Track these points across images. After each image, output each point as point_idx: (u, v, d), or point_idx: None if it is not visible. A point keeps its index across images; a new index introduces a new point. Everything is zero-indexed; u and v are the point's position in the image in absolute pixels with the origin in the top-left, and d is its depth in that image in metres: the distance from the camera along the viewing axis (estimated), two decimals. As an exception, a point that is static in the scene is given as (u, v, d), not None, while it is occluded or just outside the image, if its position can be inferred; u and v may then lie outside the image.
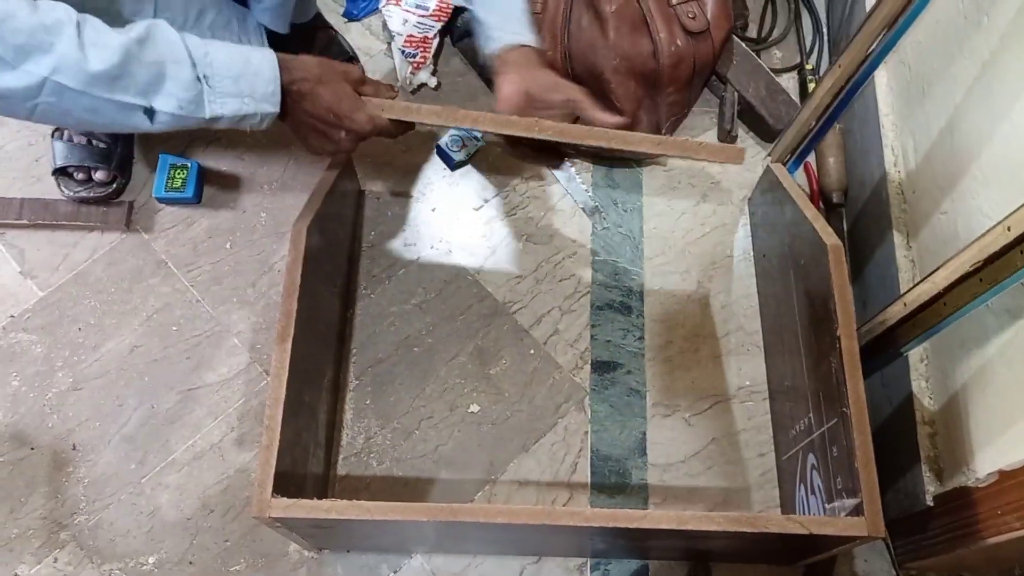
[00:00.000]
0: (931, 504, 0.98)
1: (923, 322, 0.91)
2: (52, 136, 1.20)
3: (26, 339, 1.16)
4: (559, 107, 0.99)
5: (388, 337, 1.19)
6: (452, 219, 1.27)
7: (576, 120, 1.02)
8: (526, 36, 1.01)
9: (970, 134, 0.99)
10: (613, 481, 1.12)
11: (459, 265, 1.24)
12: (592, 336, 1.21)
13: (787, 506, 1.09)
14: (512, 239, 1.26)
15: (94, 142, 1.19)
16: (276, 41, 1.27)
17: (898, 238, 1.12)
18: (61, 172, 1.20)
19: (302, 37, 1.26)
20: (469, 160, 1.30)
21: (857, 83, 1.05)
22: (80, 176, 1.20)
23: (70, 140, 1.19)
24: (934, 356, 1.04)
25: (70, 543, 1.06)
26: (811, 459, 0.99)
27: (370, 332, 1.19)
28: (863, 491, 0.83)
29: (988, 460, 0.91)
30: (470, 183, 1.30)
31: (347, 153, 0.95)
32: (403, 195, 1.28)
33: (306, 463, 0.98)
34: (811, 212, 1.02)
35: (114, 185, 1.22)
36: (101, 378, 1.15)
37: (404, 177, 1.29)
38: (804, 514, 1.01)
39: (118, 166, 1.22)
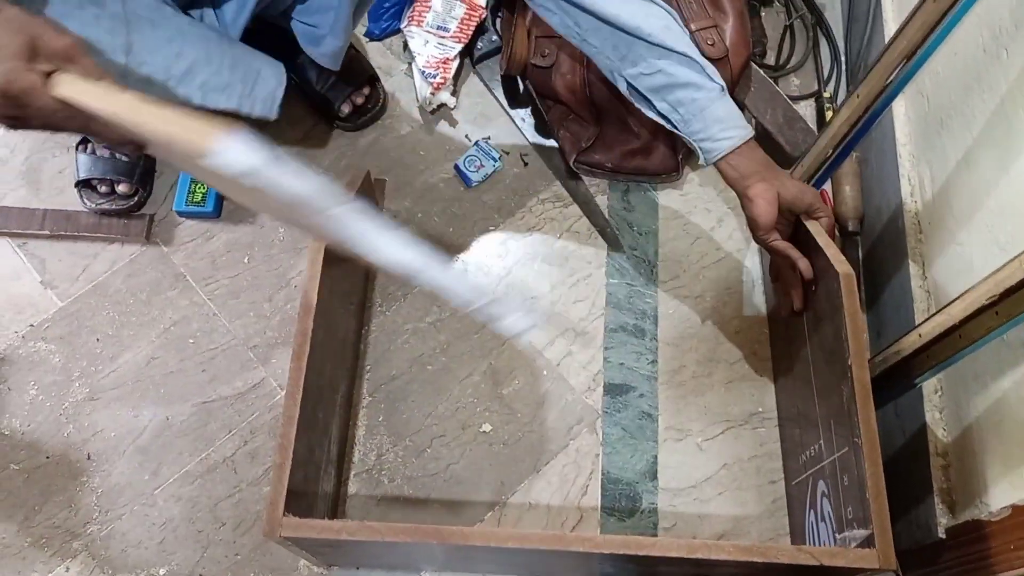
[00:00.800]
0: (943, 536, 0.98)
1: (938, 354, 0.91)
2: (76, 149, 1.22)
3: (45, 348, 1.18)
4: (802, 212, 1.01)
5: (402, 354, 1.20)
6: (468, 238, 1.28)
7: (797, 225, 1.03)
8: (740, 132, 0.97)
9: (987, 166, 1.00)
10: (623, 504, 1.12)
11: (474, 284, 1.25)
12: (605, 358, 1.21)
13: (796, 532, 1.09)
14: (527, 260, 1.27)
15: (118, 155, 1.21)
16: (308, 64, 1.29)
17: (914, 268, 1.12)
18: (84, 184, 1.22)
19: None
20: (486, 180, 1.31)
21: (875, 113, 1.05)
22: (103, 189, 1.21)
23: (94, 153, 1.21)
24: (948, 387, 1.04)
25: (82, 552, 1.07)
26: (821, 486, 0.99)
27: (384, 349, 1.20)
28: (874, 523, 0.82)
29: (1002, 494, 0.90)
30: (487, 203, 1.31)
31: (15, 124, 0.73)
32: (420, 213, 1.29)
33: (317, 480, 0.99)
34: (823, 239, 1.03)
35: (136, 198, 1.23)
36: (117, 389, 1.16)
37: (422, 196, 1.30)
38: (814, 541, 1.01)
39: (140, 179, 1.23)
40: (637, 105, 1.03)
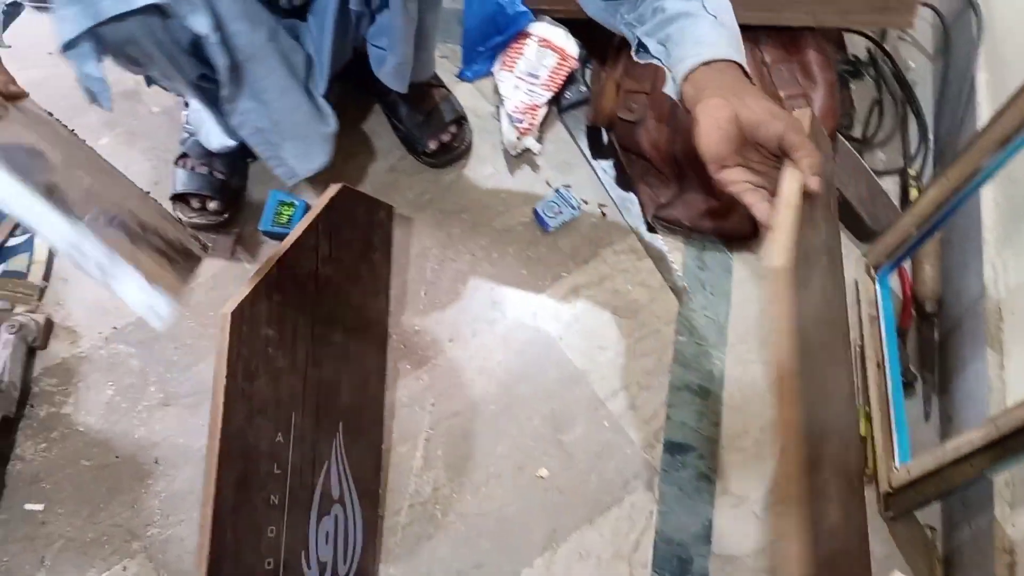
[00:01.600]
0: (1004, 636, 0.95)
1: (1013, 447, 0.89)
2: (175, 163, 1.27)
3: (125, 351, 1.22)
4: (771, 144, 0.73)
5: (466, 392, 1.21)
6: (540, 282, 1.30)
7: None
8: (715, 51, 0.79)
9: (1078, 261, 0.98)
10: (675, 565, 1.11)
11: (542, 329, 1.26)
12: (667, 416, 1.20)
13: None
14: (597, 309, 1.28)
15: (214, 173, 1.25)
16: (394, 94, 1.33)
17: (991, 356, 1.10)
18: (179, 198, 1.26)
19: (417, 94, 1.32)
20: (563, 227, 1.33)
21: (963, 197, 1.04)
22: (195, 204, 1.26)
23: (192, 169, 1.26)
24: (1021, 482, 1.02)
25: (140, 554, 1.10)
26: None
27: (449, 384, 1.21)
28: None
29: (1071, 599, 0.88)
30: (562, 249, 1.32)
31: None
32: (496, 253, 1.31)
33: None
34: (785, 214, 0.68)
35: (225, 215, 1.28)
36: (190, 397, 1.19)
37: (499, 236, 1.32)
38: None
39: (230, 198, 1.28)
40: (638, 59, 0.92)
